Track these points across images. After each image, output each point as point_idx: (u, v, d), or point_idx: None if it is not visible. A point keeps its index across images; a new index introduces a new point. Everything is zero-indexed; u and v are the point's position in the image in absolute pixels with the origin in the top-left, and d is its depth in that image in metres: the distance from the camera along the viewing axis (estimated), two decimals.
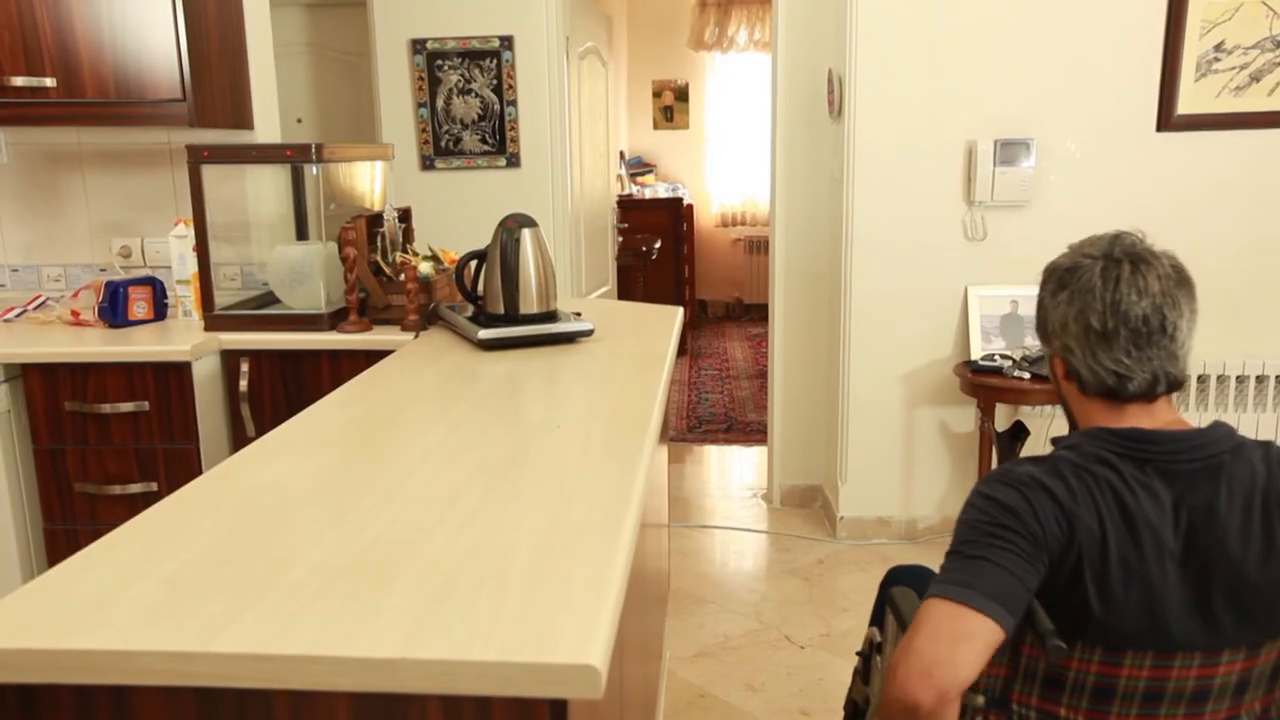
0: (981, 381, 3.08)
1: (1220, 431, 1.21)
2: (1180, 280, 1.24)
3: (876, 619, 1.70)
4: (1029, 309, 3.27)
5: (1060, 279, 1.29)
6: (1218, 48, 3.12)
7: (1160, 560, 1.15)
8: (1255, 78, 3.13)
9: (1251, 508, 1.17)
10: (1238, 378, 3.20)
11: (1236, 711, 1.21)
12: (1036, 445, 3.36)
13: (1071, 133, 3.21)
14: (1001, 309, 3.28)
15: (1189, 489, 1.17)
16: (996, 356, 3.15)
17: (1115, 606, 1.15)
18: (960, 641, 1.11)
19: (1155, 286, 1.22)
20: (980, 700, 1.27)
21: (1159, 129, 3.19)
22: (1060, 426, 3.24)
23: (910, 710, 1.11)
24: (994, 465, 3.26)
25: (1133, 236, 1.28)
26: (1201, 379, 3.21)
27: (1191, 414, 3.21)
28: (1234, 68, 3.13)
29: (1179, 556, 1.15)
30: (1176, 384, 1.24)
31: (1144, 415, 1.24)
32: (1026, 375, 3.03)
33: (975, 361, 3.19)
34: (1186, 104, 3.16)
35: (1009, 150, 3.18)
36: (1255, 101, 3.14)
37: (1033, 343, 3.23)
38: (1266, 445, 1.23)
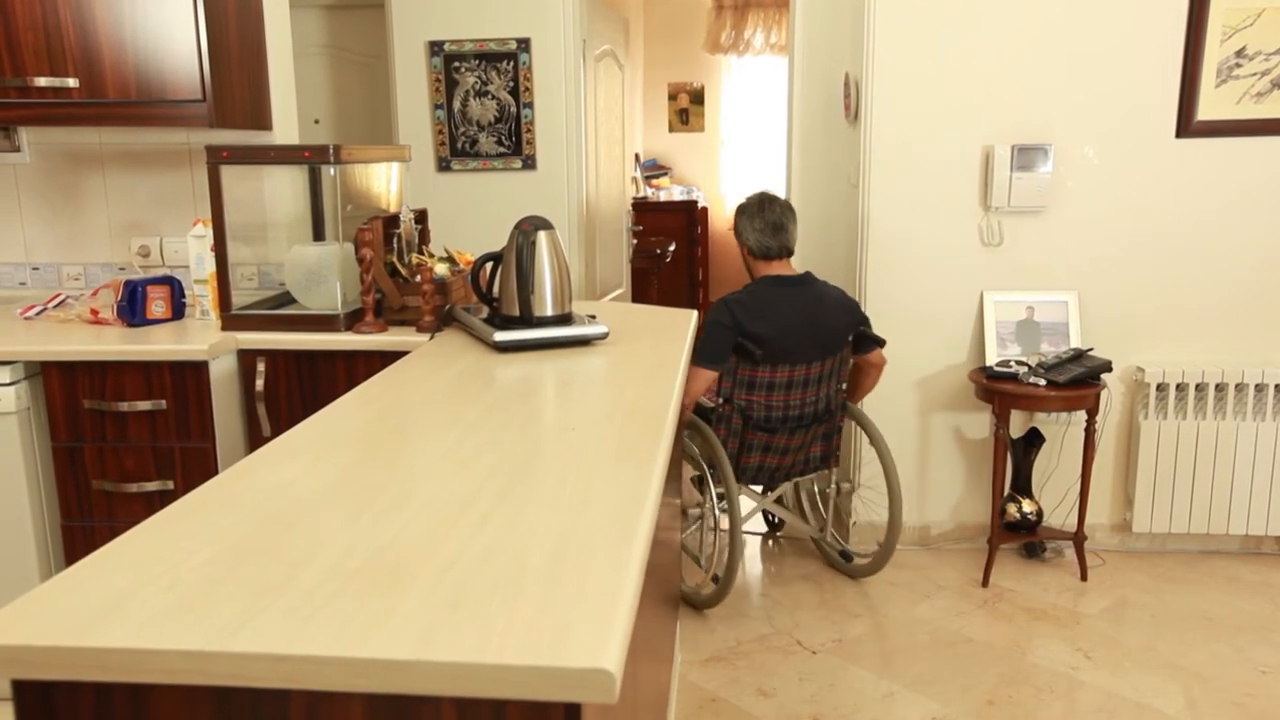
0: (997, 388, 3.06)
1: (808, 275, 2.92)
2: (789, 209, 2.93)
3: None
4: (1045, 315, 3.25)
5: (742, 208, 2.96)
6: (1239, 54, 3.10)
7: (791, 324, 2.81)
8: (1277, 84, 3.10)
9: (820, 302, 2.87)
10: (1256, 386, 3.17)
11: (819, 391, 2.92)
12: (1051, 450, 3.35)
13: (1090, 138, 3.20)
14: (1017, 315, 3.26)
15: (799, 296, 2.86)
16: (1012, 363, 3.14)
17: (774, 344, 2.80)
18: (698, 380, 2.83)
19: (778, 209, 2.92)
20: (720, 400, 2.89)
21: (1178, 135, 3.17)
22: (1074, 433, 3.28)
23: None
24: (1009, 472, 3.26)
25: (771, 192, 2.99)
26: (1220, 388, 3.19)
27: (1209, 422, 3.18)
28: (1255, 74, 3.11)
29: (798, 322, 2.82)
30: (789, 253, 2.92)
31: (779, 266, 2.92)
32: (1042, 382, 3.01)
33: (990, 367, 3.18)
34: (1206, 110, 3.13)
35: (1026, 156, 3.17)
36: (1276, 108, 3.12)
37: (1049, 349, 3.21)
38: (825, 283, 2.94)
